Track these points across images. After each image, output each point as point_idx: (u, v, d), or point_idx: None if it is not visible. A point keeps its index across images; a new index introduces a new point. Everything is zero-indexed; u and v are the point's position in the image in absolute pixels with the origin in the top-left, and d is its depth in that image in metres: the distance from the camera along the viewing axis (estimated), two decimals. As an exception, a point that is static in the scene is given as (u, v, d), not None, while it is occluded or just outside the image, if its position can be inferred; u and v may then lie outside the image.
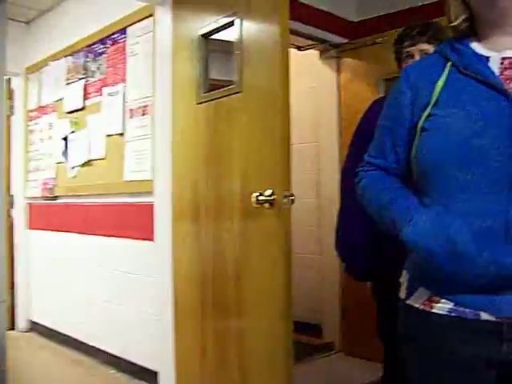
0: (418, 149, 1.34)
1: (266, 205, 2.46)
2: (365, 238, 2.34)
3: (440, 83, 1.34)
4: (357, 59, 4.12)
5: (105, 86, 4.02)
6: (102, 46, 4.08)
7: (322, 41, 4.15)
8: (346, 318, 4.18)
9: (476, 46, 1.37)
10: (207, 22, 2.96)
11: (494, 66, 1.31)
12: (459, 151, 1.23)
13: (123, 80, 3.84)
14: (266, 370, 2.56)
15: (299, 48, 4.26)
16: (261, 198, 2.46)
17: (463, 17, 1.36)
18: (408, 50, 2.26)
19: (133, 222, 3.75)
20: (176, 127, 3.18)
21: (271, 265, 2.51)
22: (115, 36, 3.94)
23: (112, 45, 3.96)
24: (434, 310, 1.31)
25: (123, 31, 3.85)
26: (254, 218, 2.58)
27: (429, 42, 2.21)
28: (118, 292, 3.90)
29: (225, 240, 2.79)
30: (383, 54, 3.81)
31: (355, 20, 4.28)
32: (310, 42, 4.18)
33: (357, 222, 2.32)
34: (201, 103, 3.00)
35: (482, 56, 1.33)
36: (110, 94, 3.95)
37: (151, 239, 3.43)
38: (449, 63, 1.36)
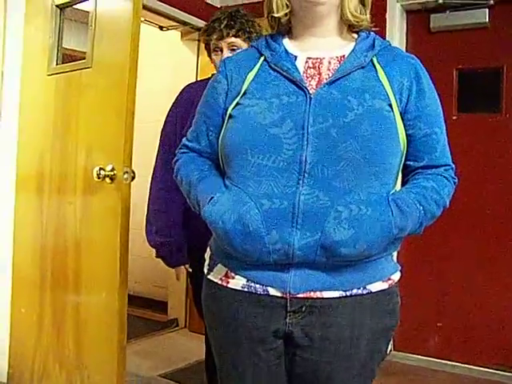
0: (224, 134, 1.44)
1: (107, 179, 2.48)
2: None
3: (251, 75, 1.45)
4: (217, 44, 4.20)
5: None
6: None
7: (184, 23, 4.21)
8: (190, 294, 4.29)
9: (288, 44, 1.48)
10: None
11: (300, 64, 1.43)
12: (256, 138, 1.33)
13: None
14: (101, 343, 2.59)
15: (161, 28, 4.30)
16: (102, 172, 2.49)
17: (285, 11, 1.45)
18: (216, 43, 2.27)
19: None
20: (24, 97, 3.12)
21: (110, 239, 2.53)
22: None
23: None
24: (229, 285, 1.42)
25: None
26: (96, 192, 2.60)
27: (236, 36, 2.23)
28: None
29: (67, 213, 2.78)
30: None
31: (218, 5, 4.40)
32: (172, 23, 4.22)
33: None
34: (51, 75, 2.96)
35: (291, 54, 1.45)
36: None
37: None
38: (262, 58, 1.47)
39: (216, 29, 2.25)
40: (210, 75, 1.95)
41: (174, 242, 2.36)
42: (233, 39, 2.24)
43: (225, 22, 2.24)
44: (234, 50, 2.22)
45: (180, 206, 2.29)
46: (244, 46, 2.23)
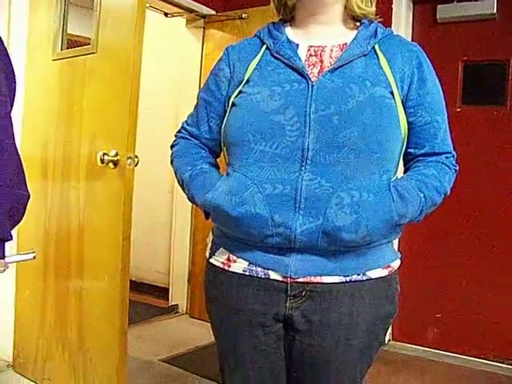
0: (226, 122, 1.45)
1: (111, 165, 2.50)
2: None
3: (253, 64, 1.46)
4: (222, 31, 4.20)
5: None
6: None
7: (190, 10, 4.21)
8: (191, 281, 4.34)
9: (290, 32, 1.50)
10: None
11: (302, 52, 1.44)
12: (258, 125, 1.34)
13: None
14: (103, 327, 2.62)
15: (166, 14, 4.29)
16: (106, 157, 2.50)
17: None
18: None
19: None
20: (28, 82, 3.11)
21: (112, 224, 2.55)
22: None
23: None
24: (231, 269, 1.43)
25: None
26: (99, 178, 2.61)
27: None
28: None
29: (70, 198, 2.79)
30: (247, 28, 3.96)
31: (224, -7, 4.39)
32: (177, 10, 4.22)
33: None
34: (56, 60, 2.96)
35: (293, 43, 1.46)
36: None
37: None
38: (264, 46, 1.48)
39: None
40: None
41: None
42: None
43: None
44: None
45: None
46: None
